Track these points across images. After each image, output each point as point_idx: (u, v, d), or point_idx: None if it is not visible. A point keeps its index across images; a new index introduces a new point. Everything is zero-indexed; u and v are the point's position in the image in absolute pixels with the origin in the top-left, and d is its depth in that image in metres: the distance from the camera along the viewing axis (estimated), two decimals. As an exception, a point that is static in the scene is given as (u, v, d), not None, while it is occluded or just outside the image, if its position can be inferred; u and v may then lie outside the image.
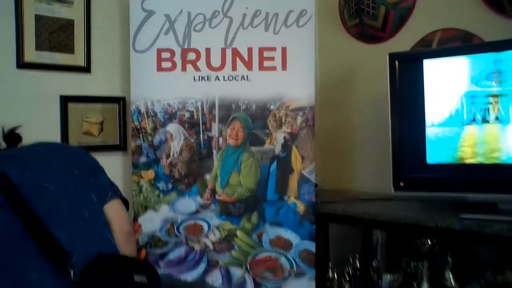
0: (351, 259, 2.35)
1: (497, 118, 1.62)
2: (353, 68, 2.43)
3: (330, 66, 2.53)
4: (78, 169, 1.31)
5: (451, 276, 2.24)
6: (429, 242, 2.10)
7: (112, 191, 1.36)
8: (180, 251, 1.92)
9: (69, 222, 1.21)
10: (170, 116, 1.93)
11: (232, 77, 1.91)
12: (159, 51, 1.90)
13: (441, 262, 2.24)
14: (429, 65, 1.74)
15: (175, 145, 1.93)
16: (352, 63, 2.45)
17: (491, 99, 1.63)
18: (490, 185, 1.64)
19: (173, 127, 1.93)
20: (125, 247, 1.33)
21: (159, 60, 1.91)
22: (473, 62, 1.67)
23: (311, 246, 1.92)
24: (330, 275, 2.20)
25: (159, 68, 1.91)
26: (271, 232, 1.92)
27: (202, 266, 1.91)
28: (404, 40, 2.20)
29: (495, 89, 1.63)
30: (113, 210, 1.34)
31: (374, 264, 2.31)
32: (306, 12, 1.89)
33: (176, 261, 1.92)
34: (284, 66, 1.90)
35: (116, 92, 2.15)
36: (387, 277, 2.08)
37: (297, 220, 1.92)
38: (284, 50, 1.89)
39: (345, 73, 2.47)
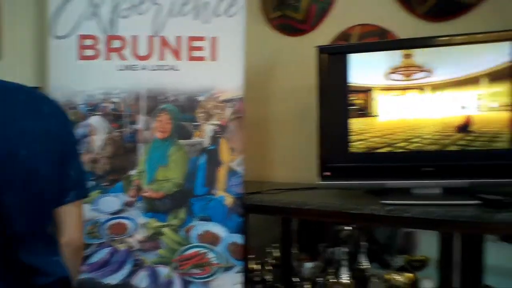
0: (271, 249, 2.53)
1: (404, 110, 1.89)
2: (276, 60, 2.58)
3: (254, 57, 2.65)
4: (51, 161, 1.11)
5: (365, 260, 2.54)
6: (347, 228, 2.37)
7: (76, 190, 1.19)
8: (103, 253, 1.92)
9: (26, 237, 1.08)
10: (93, 108, 1.91)
11: (160, 67, 1.94)
12: (81, 38, 1.86)
13: (357, 247, 2.53)
14: (353, 58, 1.94)
15: (98, 140, 1.91)
16: (275, 54, 2.59)
17: (399, 93, 1.89)
18: (403, 172, 1.91)
19: (95, 120, 1.91)
20: (72, 261, 1.20)
21: (81, 47, 1.87)
22: (387, 57, 1.90)
23: (239, 238, 2.04)
24: (253, 266, 2.37)
25: (81, 56, 1.87)
26: (199, 227, 2.00)
27: (127, 267, 1.93)
28: (325, 33, 2.41)
29: (403, 83, 1.88)
30: (70, 216, 1.18)
31: (294, 252, 2.52)
32: (237, 1, 1.98)
33: (99, 263, 1.91)
34: (213, 57, 1.98)
35: (30, 81, 2.05)
36: (308, 265, 2.30)
37: (225, 213, 2.02)
38: (214, 40, 1.97)
39: (268, 65, 2.61)
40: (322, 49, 1.97)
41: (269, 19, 2.60)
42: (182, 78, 1.96)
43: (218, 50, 1.98)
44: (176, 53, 1.95)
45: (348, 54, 1.95)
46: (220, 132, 2.01)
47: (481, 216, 1.66)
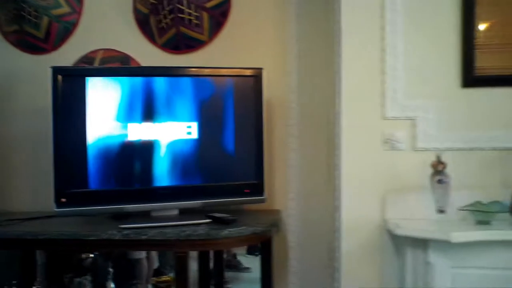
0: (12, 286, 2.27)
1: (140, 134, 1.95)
2: (11, 77, 2.37)
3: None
4: None
5: (113, 286, 2.50)
6: (92, 256, 2.28)
7: None
8: None
9: None
10: None
11: None
12: None
13: (104, 274, 2.47)
14: (92, 82, 1.90)
15: None
16: (10, 71, 2.37)
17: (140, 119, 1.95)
18: (141, 195, 1.95)
19: None
20: None
21: None
22: (127, 83, 1.94)
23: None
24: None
25: None
26: None
27: None
28: (68, 54, 2.32)
29: (140, 112, 1.94)
30: None
31: (37, 287, 2.32)
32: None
33: None
34: None
35: None
36: (52, 299, 2.13)
37: None
38: None
39: (1, 82, 2.37)
40: (57, 71, 1.88)
41: (4, 33, 2.37)
42: None
43: None
44: None
45: (86, 78, 1.91)
46: None
47: (209, 233, 1.79)
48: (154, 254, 3.07)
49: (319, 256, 2.21)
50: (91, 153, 1.90)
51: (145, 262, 2.97)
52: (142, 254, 2.77)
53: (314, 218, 2.22)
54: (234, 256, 3.09)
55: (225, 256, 2.90)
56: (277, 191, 2.24)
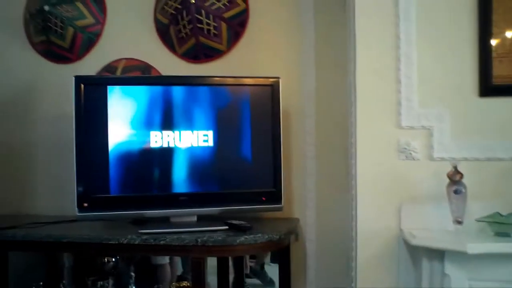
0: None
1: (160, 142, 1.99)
2: (38, 85, 2.46)
3: (11, 80, 2.47)
4: None
5: (135, 290, 2.53)
6: (113, 260, 2.33)
7: None
8: None
9: None
10: None
11: None
12: None
13: (126, 278, 2.50)
14: (113, 91, 1.96)
15: None
16: (37, 80, 2.46)
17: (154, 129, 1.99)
18: (161, 201, 1.99)
19: None
20: None
21: None
22: (147, 91, 1.99)
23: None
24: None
25: None
26: None
27: None
28: (91, 64, 2.39)
29: (159, 120, 1.99)
30: None
31: (62, 288, 2.37)
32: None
33: None
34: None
35: None
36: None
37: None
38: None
39: (28, 90, 2.47)
40: (80, 79, 1.95)
41: (33, 43, 2.46)
42: None
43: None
44: None
45: (108, 86, 1.97)
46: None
47: (225, 240, 1.81)
48: (177, 260, 3.11)
49: (337, 265, 2.19)
50: (112, 159, 1.96)
51: (168, 268, 2.99)
52: (166, 260, 2.81)
53: (332, 226, 2.21)
54: (262, 266, 3.10)
55: (252, 265, 2.93)
56: (295, 200, 2.25)
